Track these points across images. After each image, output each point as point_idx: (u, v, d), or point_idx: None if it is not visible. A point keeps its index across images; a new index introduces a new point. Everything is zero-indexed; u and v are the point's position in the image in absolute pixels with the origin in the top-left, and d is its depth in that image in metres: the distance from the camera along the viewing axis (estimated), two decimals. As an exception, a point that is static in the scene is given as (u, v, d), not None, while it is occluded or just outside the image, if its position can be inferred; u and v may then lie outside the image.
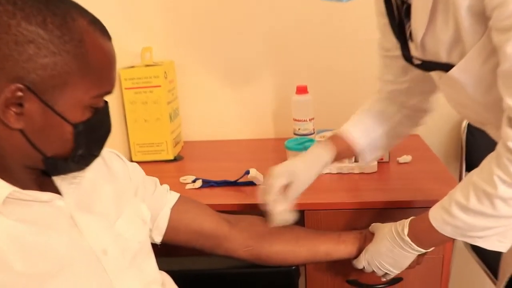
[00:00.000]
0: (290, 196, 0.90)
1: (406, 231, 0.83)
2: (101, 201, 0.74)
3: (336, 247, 0.93)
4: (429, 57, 0.76)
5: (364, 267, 0.90)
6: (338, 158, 0.95)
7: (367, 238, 0.93)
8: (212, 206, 0.96)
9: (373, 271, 0.90)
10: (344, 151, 0.95)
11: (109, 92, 0.64)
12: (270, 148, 1.49)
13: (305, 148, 1.19)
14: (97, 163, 0.72)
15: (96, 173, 0.75)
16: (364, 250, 0.90)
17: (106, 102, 0.67)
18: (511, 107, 0.63)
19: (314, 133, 1.39)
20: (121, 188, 0.79)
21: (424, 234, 0.80)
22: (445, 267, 1.09)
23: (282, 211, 0.89)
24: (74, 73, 0.59)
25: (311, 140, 1.31)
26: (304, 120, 1.37)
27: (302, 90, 1.37)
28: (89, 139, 0.64)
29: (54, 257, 0.62)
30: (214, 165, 1.37)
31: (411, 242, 0.82)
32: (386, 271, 0.89)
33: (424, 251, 0.83)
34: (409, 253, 0.84)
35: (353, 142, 0.95)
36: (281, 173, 0.90)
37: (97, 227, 0.70)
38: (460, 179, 1.47)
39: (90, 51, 0.60)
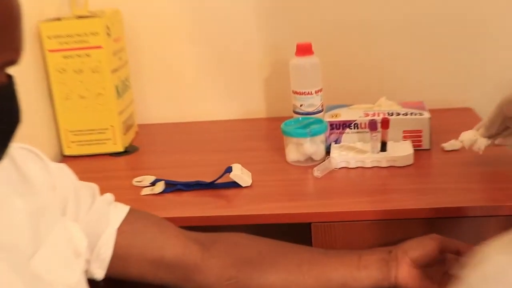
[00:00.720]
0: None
1: None
2: (9, 225, 0.70)
3: (356, 274, 0.92)
4: None
5: None
6: None
7: (400, 260, 0.93)
8: (178, 220, 0.96)
9: None
10: None
11: (12, 61, 0.60)
12: (260, 132, 1.50)
13: (311, 132, 1.21)
14: (1, 167, 0.69)
15: (1, 183, 0.72)
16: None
17: (10, 78, 0.63)
18: None
19: (322, 110, 1.38)
20: (40, 203, 0.76)
21: None
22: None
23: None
24: None
25: (319, 121, 1.28)
26: (308, 93, 1.35)
27: (304, 50, 1.35)
28: None
29: None
30: (181, 159, 1.36)
31: None
32: None
33: None
34: None
35: None
36: None
37: (1, 269, 0.66)
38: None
39: None
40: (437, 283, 0.92)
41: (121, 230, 0.87)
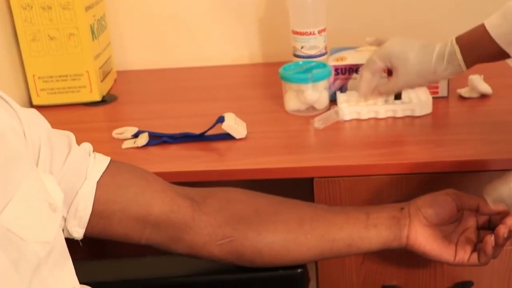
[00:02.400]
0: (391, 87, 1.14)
1: None
2: None
3: (363, 233, 0.93)
4: None
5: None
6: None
7: (413, 218, 0.94)
8: (165, 176, 0.96)
9: None
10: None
11: None
12: (256, 79, 1.51)
13: (313, 78, 1.21)
14: None
15: None
16: None
17: None
18: None
19: (326, 53, 1.39)
20: (9, 152, 0.75)
21: None
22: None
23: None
24: None
25: (322, 65, 1.29)
26: (311, 33, 1.36)
27: None
28: None
29: None
30: (167, 109, 1.38)
31: None
32: None
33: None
34: None
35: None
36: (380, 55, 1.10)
37: None
38: None
39: None
40: (454, 243, 0.94)
41: (101, 184, 0.87)
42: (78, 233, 0.86)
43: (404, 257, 1.07)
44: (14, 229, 0.70)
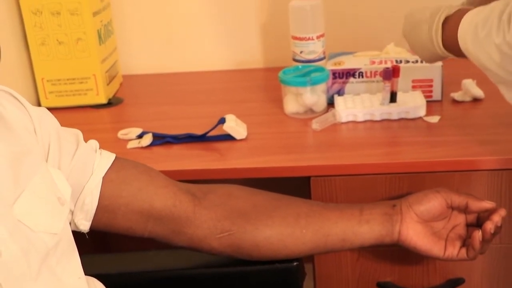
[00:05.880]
0: None
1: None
2: None
3: (356, 228, 0.95)
4: None
5: None
6: None
7: (405, 214, 0.95)
8: (168, 174, 0.97)
9: None
10: None
11: None
12: (256, 83, 1.51)
13: (312, 81, 1.23)
14: None
15: None
16: None
17: None
18: None
19: (325, 57, 1.40)
20: (21, 148, 0.77)
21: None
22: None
23: None
24: None
25: (320, 69, 1.30)
26: (310, 39, 1.37)
27: None
28: None
29: None
30: (170, 111, 1.38)
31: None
32: None
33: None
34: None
35: None
36: None
37: None
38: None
39: None
40: (443, 239, 0.96)
41: (107, 179, 0.88)
42: (84, 226, 0.88)
43: (398, 254, 1.08)
44: (25, 220, 0.72)
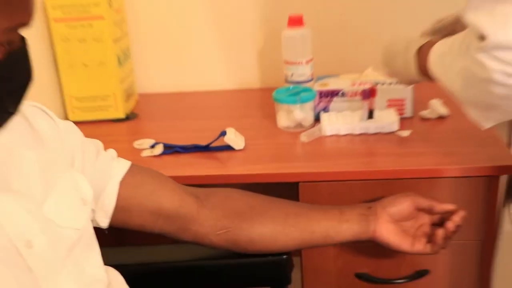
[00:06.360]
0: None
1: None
2: (22, 174, 0.73)
3: (337, 227, 0.96)
4: None
5: None
6: None
7: (379, 215, 0.96)
8: (176, 179, 0.98)
9: None
10: None
11: (24, 23, 0.62)
12: (254, 101, 1.51)
13: (301, 100, 1.23)
14: (15, 122, 0.70)
15: (14, 136, 0.74)
16: None
17: (23, 39, 0.66)
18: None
19: (312, 79, 1.40)
20: (50, 155, 0.79)
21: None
22: (485, 255, 1.12)
23: None
24: None
25: (308, 89, 1.31)
26: (299, 63, 1.37)
27: (296, 21, 1.37)
28: (2, 90, 0.63)
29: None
30: (179, 125, 1.38)
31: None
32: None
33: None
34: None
35: None
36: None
37: (17, 211, 0.70)
38: (510, 141, 1.49)
39: None
40: (411, 236, 0.97)
41: (123, 183, 0.89)
42: (104, 223, 0.89)
43: (373, 249, 1.09)
44: (53, 218, 0.73)
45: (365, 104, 1.20)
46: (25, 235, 0.69)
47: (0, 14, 0.59)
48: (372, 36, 1.51)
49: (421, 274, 1.12)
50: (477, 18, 0.77)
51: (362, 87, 1.25)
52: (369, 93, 1.20)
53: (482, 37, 0.78)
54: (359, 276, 1.14)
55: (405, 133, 1.20)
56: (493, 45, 0.76)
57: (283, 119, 1.27)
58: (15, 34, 0.63)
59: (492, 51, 0.77)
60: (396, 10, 1.50)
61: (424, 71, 1.00)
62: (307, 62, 1.38)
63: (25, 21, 0.62)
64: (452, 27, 1.10)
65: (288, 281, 1.01)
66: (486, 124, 0.92)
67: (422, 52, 1.00)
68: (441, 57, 0.93)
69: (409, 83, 1.13)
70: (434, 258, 1.10)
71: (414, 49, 1.02)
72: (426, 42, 1.01)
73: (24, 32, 0.65)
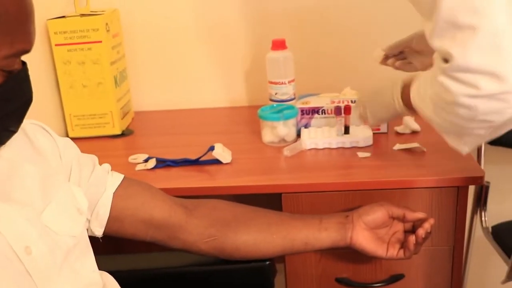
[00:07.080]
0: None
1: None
2: (23, 186, 0.74)
3: (317, 234, 0.96)
4: None
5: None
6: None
7: (355, 223, 0.97)
8: (168, 191, 0.98)
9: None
10: None
11: (25, 50, 0.64)
12: (240, 118, 1.51)
13: (284, 117, 1.24)
14: (16, 139, 0.72)
15: (15, 151, 0.75)
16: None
17: (24, 64, 0.67)
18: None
19: (295, 98, 1.41)
20: (49, 169, 0.79)
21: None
22: (456, 259, 1.12)
23: None
24: None
25: (291, 107, 1.32)
26: (282, 83, 1.38)
27: (279, 45, 1.38)
28: (2, 111, 0.64)
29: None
30: (171, 140, 1.39)
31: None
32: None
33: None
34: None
35: None
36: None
37: (18, 219, 0.70)
38: (479, 154, 1.50)
39: None
40: (386, 243, 0.98)
41: (117, 195, 0.90)
42: (98, 232, 0.89)
43: (352, 255, 1.09)
44: (51, 226, 0.74)
45: (339, 120, 1.21)
46: (25, 241, 0.69)
47: (2, 43, 0.60)
48: (348, 59, 1.52)
49: (397, 278, 1.12)
50: (441, 43, 0.79)
51: (341, 105, 1.25)
52: (341, 110, 1.21)
53: (446, 60, 0.79)
54: (339, 280, 1.14)
55: (365, 154, 1.19)
56: (456, 67, 0.77)
57: (268, 135, 1.28)
58: (16, 60, 0.64)
59: (455, 73, 0.78)
60: (371, 36, 1.50)
61: (408, 103, 1.00)
62: (290, 82, 1.39)
63: (26, 49, 0.64)
64: (407, 44, 1.13)
65: (271, 286, 1.02)
66: (463, 150, 0.91)
67: (407, 86, 1.01)
68: (419, 87, 0.94)
69: (391, 118, 1.11)
70: (409, 263, 1.10)
71: (400, 84, 1.03)
72: (412, 76, 1.01)
73: (27, 55, 0.66)
